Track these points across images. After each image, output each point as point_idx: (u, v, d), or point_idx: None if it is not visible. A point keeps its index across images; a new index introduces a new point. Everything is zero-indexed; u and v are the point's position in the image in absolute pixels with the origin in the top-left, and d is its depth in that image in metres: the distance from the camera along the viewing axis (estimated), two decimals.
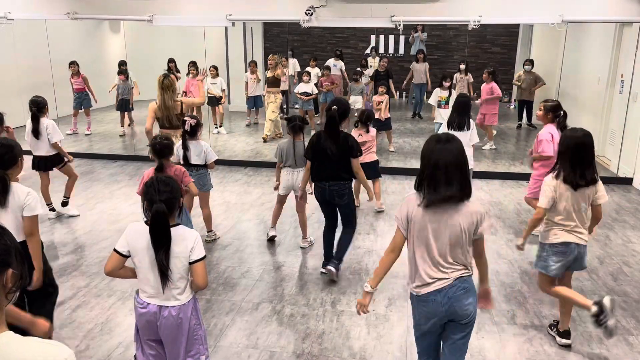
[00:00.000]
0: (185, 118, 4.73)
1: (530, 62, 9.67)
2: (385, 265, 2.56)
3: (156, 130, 4.99)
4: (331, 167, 4.20)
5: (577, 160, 3.21)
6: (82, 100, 9.58)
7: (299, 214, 5.09)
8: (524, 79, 9.69)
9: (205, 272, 2.54)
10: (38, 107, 5.34)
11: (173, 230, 2.48)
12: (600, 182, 3.29)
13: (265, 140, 9.32)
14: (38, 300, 3.20)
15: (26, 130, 5.44)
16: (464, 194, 2.37)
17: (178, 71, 10.63)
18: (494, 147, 8.93)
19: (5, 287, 1.28)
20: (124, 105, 9.85)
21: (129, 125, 10.04)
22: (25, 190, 2.99)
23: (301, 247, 5.09)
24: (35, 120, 5.34)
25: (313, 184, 4.45)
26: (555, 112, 4.68)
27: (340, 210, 4.43)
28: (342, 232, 4.46)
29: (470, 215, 2.39)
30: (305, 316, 3.86)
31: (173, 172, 3.95)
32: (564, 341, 3.50)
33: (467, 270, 2.47)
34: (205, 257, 2.55)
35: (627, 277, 4.53)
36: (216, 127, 10.08)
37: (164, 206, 2.41)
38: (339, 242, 4.44)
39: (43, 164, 5.54)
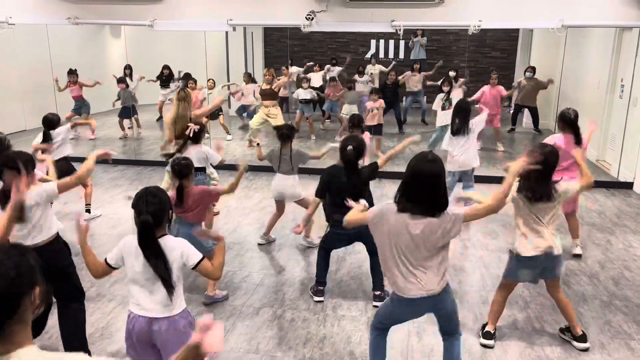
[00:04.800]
0: (189, 124, 4.79)
1: (532, 69, 9.66)
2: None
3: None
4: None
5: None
6: (81, 106, 9.58)
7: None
8: (524, 85, 9.69)
9: (211, 266, 2.56)
10: (49, 125, 5.47)
11: (160, 240, 2.50)
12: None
13: (257, 144, 9.03)
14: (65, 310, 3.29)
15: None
16: (435, 210, 2.62)
17: (172, 78, 10.59)
18: (502, 149, 9.03)
19: (33, 304, 1.38)
20: (127, 112, 9.82)
21: (132, 127, 10.00)
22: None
23: (307, 247, 5.10)
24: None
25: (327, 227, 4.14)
26: (563, 120, 4.60)
27: (365, 240, 4.00)
28: (371, 261, 4.13)
29: (441, 222, 2.62)
30: (306, 321, 3.86)
31: (194, 194, 3.86)
32: (582, 345, 3.53)
33: (442, 279, 2.71)
34: (204, 257, 2.56)
35: (628, 281, 4.52)
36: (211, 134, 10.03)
37: (150, 217, 2.44)
38: (374, 270, 4.10)
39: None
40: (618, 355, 3.47)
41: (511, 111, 11.17)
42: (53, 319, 3.41)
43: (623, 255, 5.06)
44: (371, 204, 3.99)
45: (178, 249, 2.53)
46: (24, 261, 1.37)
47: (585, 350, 3.50)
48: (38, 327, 3.40)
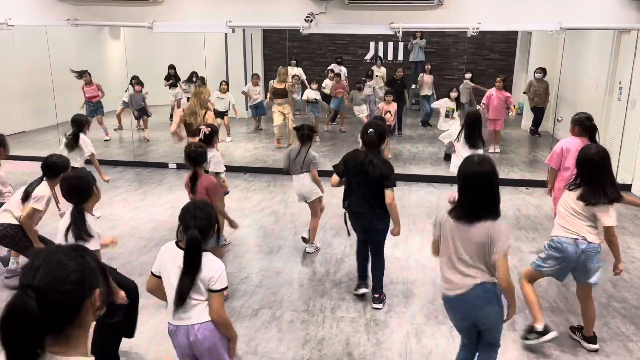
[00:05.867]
0: (201, 127, 4.81)
1: (542, 70, 9.68)
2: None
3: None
4: (367, 194, 3.91)
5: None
6: (96, 108, 9.61)
7: (312, 218, 5.08)
8: (536, 87, 9.70)
9: (219, 306, 2.48)
10: (78, 126, 5.63)
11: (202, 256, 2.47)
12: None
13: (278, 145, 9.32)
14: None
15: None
16: (488, 214, 2.59)
17: (179, 78, 10.67)
18: (497, 150, 9.04)
19: (94, 306, 1.33)
20: (141, 111, 9.91)
21: (142, 129, 10.06)
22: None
23: (307, 252, 5.09)
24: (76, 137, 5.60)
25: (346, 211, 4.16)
26: (583, 125, 4.51)
27: (371, 237, 4.10)
28: (372, 260, 4.15)
29: (487, 231, 2.58)
30: (305, 322, 3.86)
31: (205, 182, 3.99)
32: (592, 346, 3.56)
33: (489, 277, 2.66)
34: (225, 288, 2.52)
35: (626, 283, 4.53)
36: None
37: (197, 233, 2.41)
38: (375, 271, 4.14)
39: None
40: (616, 357, 3.48)
41: (511, 114, 11.21)
42: None
43: (621, 257, 5.06)
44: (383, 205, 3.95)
45: (216, 270, 2.47)
46: (85, 263, 1.31)
47: (595, 351, 3.53)
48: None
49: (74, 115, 5.75)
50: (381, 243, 4.09)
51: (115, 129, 10.48)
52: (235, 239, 5.39)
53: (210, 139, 4.74)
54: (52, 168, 3.98)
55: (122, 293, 3.01)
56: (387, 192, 3.83)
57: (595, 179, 3.29)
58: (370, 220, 3.98)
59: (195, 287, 2.46)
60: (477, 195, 2.62)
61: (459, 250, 2.67)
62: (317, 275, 4.59)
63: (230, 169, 8.00)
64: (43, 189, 3.97)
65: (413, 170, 7.89)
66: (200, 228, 2.44)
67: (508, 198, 6.75)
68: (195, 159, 4.02)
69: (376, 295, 4.11)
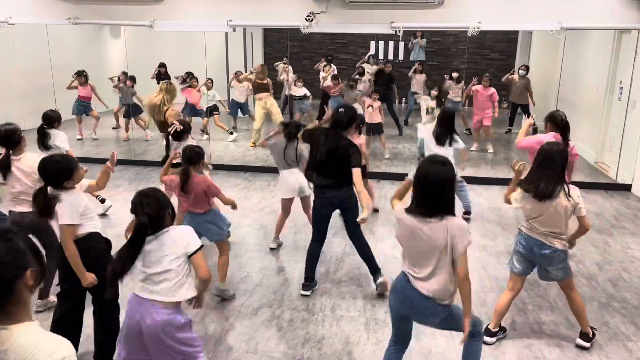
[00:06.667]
0: (174, 122, 4.89)
1: (526, 68, 9.81)
2: None
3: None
4: (333, 173, 4.03)
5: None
6: (85, 108, 9.60)
7: (307, 214, 5.09)
8: (517, 83, 9.78)
9: (204, 261, 2.64)
10: (48, 122, 5.27)
11: (165, 233, 2.57)
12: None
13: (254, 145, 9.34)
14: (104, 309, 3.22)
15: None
16: (438, 212, 2.56)
17: (169, 77, 10.64)
18: (491, 151, 9.01)
19: (28, 285, 1.41)
20: (133, 110, 9.88)
21: (145, 128, 10.04)
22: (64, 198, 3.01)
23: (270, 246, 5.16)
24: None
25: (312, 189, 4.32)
26: (555, 122, 4.51)
27: (347, 217, 4.19)
28: (356, 243, 4.24)
29: (444, 230, 2.54)
30: (305, 321, 3.87)
31: (201, 186, 3.93)
32: (583, 343, 3.56)
33: (443, 294, 2.63)
34: (202, 246, 2.65)
35: (626, 283, 4.54)
36: (231, 133, 10.06)
37: (146, 218, 2.51)
38: (362, 255, 4.25)
39: None
40: (616, 357, 3.48)
41: (508, 113, 11.24)
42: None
43: (621, 257, 5.08)
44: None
45: (184, 239, 2.59)
46: (14, 245, 1.39)
47: (583, 348, 3.53)
48: (74, 335, 3.28)
49: (45, 111, 5.36)
50: (355, 219, 4.06)
51: (113, 128, 10.49)
52: (236, 238, 5.39)
53: (180, 135, 4.83)
54: (4, 138, 3.96)
55: (92, 276, 3.03)
56: (354, 171, 3.91)
57: (558, 173, 3.30)
58: (341, 199, 4.09)
59: (163, 264, 2.54)
60: (429, 196, 2.61)
61: (408, 248, 2.71)
62: (317, 274, 4.59)
63: (230, 168, 8.05)
64: (28, 161, 3.89)
65: (413, 169, 7.88)
66: (149, 213, 2.52)
67: None
68: (190, 157, 3.97)
69: (378, 280, 4.19)
